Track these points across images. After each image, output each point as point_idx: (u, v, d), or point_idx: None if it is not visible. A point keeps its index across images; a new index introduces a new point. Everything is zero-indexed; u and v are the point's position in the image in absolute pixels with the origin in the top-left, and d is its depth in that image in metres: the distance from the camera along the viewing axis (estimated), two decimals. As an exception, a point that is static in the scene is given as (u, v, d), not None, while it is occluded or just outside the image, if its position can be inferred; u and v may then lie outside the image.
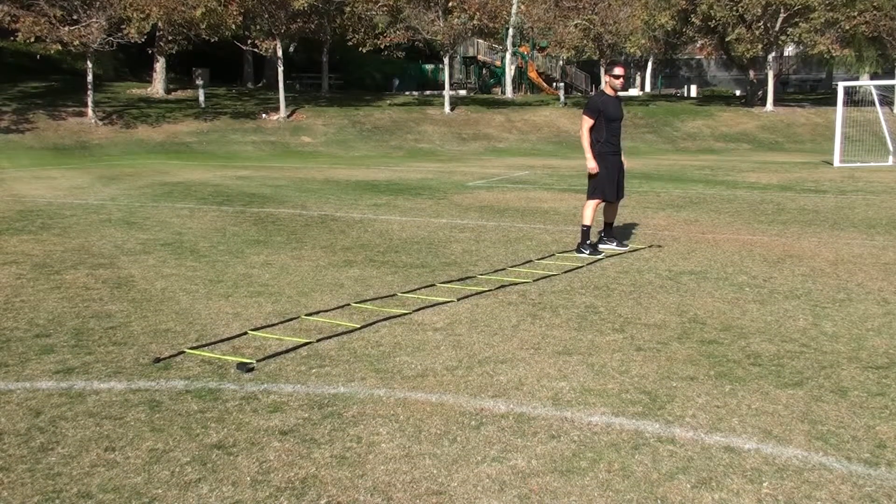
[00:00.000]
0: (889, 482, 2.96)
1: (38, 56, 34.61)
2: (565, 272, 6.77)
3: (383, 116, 34.91)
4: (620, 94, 7.79)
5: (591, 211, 7.50)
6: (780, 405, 3.70)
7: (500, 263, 7.17)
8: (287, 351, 4.51)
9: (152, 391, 3.89)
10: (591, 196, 7.51)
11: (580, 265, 7.06)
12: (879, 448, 3.24)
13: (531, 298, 5.83)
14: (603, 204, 7.60)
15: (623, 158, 7.71)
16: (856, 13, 35.45)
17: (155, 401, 3.76)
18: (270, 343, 4.69)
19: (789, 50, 45.59)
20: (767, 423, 3.50)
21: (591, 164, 7.34)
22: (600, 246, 7.77)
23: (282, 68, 33.67)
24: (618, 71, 7.35)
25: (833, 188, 14.60)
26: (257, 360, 4.31)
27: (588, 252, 7.43)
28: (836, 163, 21.06)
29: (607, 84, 7.45)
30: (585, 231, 7.51)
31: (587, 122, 7.33)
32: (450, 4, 34.48)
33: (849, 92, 23.87)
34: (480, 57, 46.45)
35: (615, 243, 7.86)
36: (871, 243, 8.30)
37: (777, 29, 36.45)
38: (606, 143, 7.39)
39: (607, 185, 7.44)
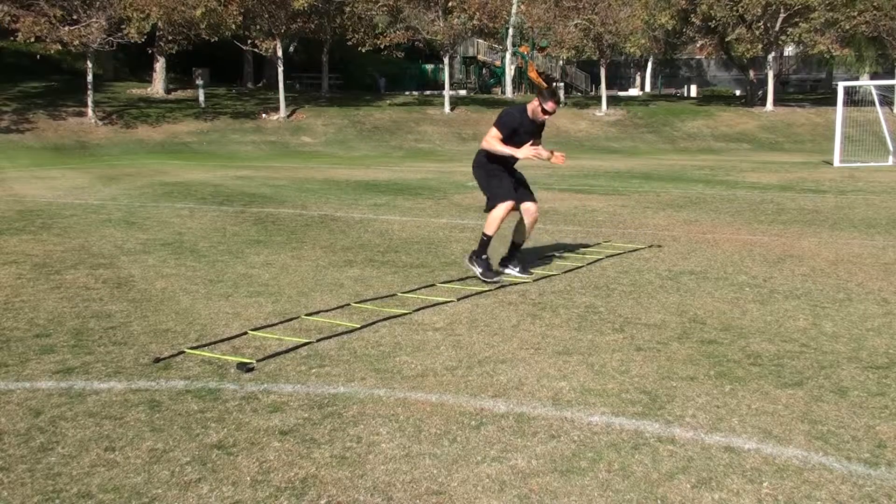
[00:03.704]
0: (889, 482, 2.96)
1: (38, 56, 34.62)
2: (565, 272, 6.77)
3: (383, 116, 34.91)
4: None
5: (495, 218, 6.25)
6: (780, 405, 3.70)
7: (501, 263, 7.16)
8: (287, 351, 4.51)
9: (152, 391, 3.89)
10: (493, 202, 6.29)
11: (580, 265, 7.05)
12: (879, 448, 3.24)
13: (531, 298, 5.83)
14: (510, 209, 6.31)
15: (555, 156, 6.51)
16: (856, 13, 35.45)
17: (155, 401, 3.76)
18: (270, 343, 4.69)
19: (789, 50, 45.62)
20: (767, 423, 3.50)
21: (523, 152, 6.18)
22: (499, 268, 6.66)
23: (282, 68, 33.68)
24: (549, 107, 6.17)
25: (833, 188, 14.60)
26: (257, 360, 4.31)
27: (481, 270, 6.32)
28: (836, 163, 21.07)
29: (533, 108, 6.27)
30: (485, 241, 6.34)
31: (496, 135, 6.21)
32: (450, 4, 34.49)
33: (849, 92, 23.87)
34: (480, 57, 46.45)
35: (518, 269, 6.60)
36: (871, 243, 8.30)
37: (777, 29, 36.47)
38: (500, 159, 6.33)
39: (503, 186, 6.34)
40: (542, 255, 7.51)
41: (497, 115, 6.35)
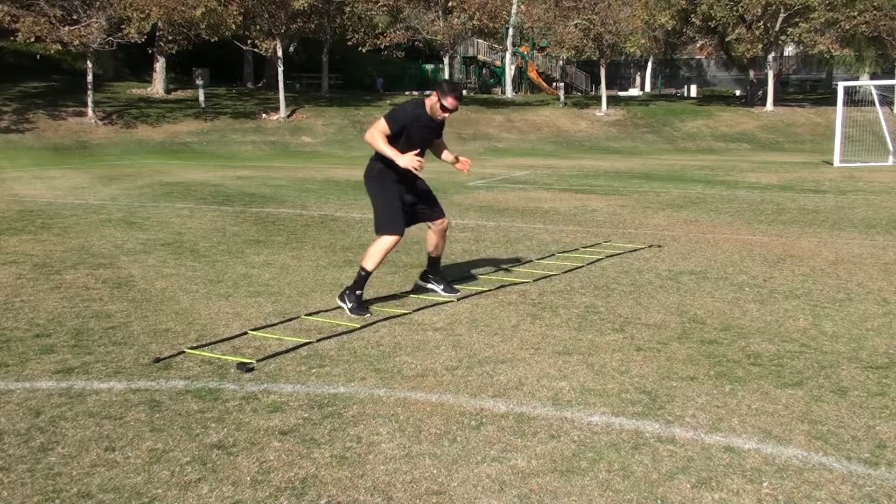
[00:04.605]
0: (889, 482, 2.96)
1: (38, 56, 34.63)
2: (565, 272, 6.77)
3: (383, 116, 34.85)
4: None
5: (378, 251, 5.38)
6: (780, 405, 3.70)
7: (501, 263, 7.17)
8: (287, 351, 4.51)
9: (152, 391, 3.89)
10: (379, 231, 5.48)
11: (580, 265, 7.05)
12: (879, 448, 3.24)
13: (531, 298, 5.82)
14: (397, 243, 5.47)
15: (460, 161, 5.78)
16: (856, 13, 35.47)
17: (155, 401, 3.76)
18: (270, 343, 4.69)
19: (789, 50, 45.64)
20: (767, 423, 3.50)
21: (404, 160, 5.21)
22: (419, 283, 6.05)
23: (282, 68, 33.68)
24: (449, 103, 5.30)
25: (833, 188, 14.61)
26: (257, 360, 4.31)
27: (351, 306, 5.33)
28: (836, 163, 21.07)
29: (431, 104, 5.40)
30: (362, 276, 5.40)
31: (383, 129, 5.29)
32: (450, 4, 34.52)
33: (849, 92, 23.88)
34: (480, 57, 46.47)
35: (441, 286, 5.90)
36: (871, 243, 8.30)
37: (777, 29, 36.47)
38: (397, 167, 5.29)
39: (393, 213, 5.43)
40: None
41: (390, 112, 5.49)
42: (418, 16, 34.62)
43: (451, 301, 5.71)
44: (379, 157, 5.40)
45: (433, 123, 5.50)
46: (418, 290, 5.97)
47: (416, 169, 5.25)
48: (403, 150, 5.29)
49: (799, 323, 5.15)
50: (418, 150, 5.39)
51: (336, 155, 27.91)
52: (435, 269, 5.97)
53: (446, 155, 5.80)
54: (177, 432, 3.40)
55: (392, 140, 5.30)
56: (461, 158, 5.77)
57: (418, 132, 5.43)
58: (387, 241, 5.39)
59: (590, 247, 8.05)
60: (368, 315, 5.28)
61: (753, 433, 3.39)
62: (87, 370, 4.20)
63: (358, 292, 5.40)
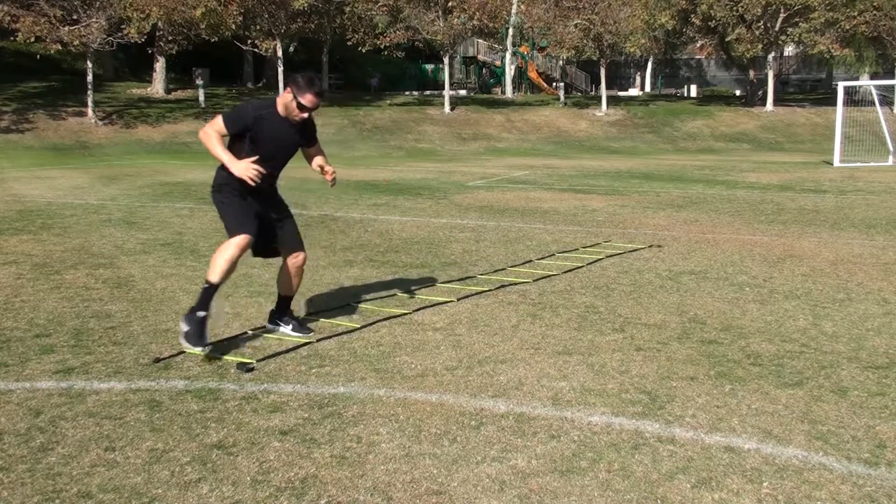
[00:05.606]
0: (889, 482, 2.96)
1: (38, 56, 34.62)
2: (565, 272, 6.77)
3: (383, 116, 34.91)
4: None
5: (224, 258, 4.34)
6: (780, 405, 3.70)
7: (500, 263, 7.17)
8: (287, 351, 4.51)
9: (152, 391, 3.89)
10: (230, 233, 4.45)
11: (580, 265, 7.05)
12: (879, 448, 3.24)
13: (531, 298, 5.82)
14: (246, 246, 4.44)
15: (325, 171, 4.77)
16: (856, 13, 35.50)
17: (155, 401, 3.76)
18: (270, 343, 4.69)
19: (789, 50, 45.66)
20: (767, 423, 3.50)
21: (238, 168, 4.30)
22: (269, 325, 4.94)
23: (282, 68, 33.71)
24: (308, 101, 4.36)
25: (833, 188, 14.61)
26: (257, 360, 4.31)
27: (187, 329, 4.32)
28: (836, 163, 21.08)
29: (285, 102, 4.42)
30: (208, 290, 4.35)
31: (218, 129, 4.42)
32: (450, 4, 34.50)
33: (849, 92, 23.89)
34: (480, 57, 46.49)
35: (291, 326, 4.87)
36: (871, 243, 8.30)
37: (777, 29, 36.49)
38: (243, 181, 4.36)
39: (243, 215, 4.48)
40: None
41: (229, 110, 4.61)
42: (418, 16, 34.61)
43: (452, 301, 5.71)
44: (224, 167, 4.43)
45: (290, 126, 4.52)
46: (268, 331, 4.92)
47: (251, 180, 4.29)
48: (248, 153, 4.39)
49: (799, 323, 5.15)
50: (257, 158, 4.36)
51: (335, 155, 27.89)
52: (283, 310, 4.91)
53: (316, 162, 4.82)
54: (177, 432, 3.40)
55: (235, 143, 4.44)
56: (326, 168, 4.76)
57: (270, 136, 4.45)
58: (233, 242, 4.36)
59: (590, 247, 8.06)
60: (209, 348, 4.35)
61: (753, 433, 3.38)
62: (87, 370, 4.20)
63: (200, 313, 4.34)
